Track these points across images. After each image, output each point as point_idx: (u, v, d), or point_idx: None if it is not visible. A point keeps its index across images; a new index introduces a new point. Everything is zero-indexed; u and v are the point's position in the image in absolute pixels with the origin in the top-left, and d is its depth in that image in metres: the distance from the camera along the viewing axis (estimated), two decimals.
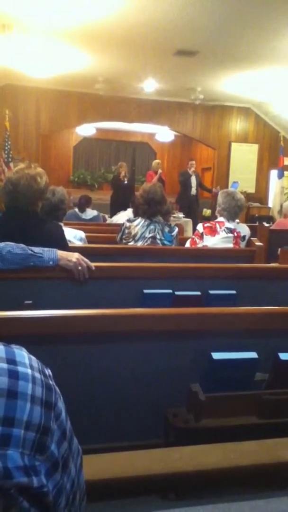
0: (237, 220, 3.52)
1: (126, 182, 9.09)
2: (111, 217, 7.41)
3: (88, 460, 0.79)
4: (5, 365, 0.59)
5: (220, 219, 3.46)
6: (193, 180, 9.84)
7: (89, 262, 2.14)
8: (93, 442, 1.25)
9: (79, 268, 2.09)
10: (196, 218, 9.12)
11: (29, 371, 0.61)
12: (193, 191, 9.84)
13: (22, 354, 0.63)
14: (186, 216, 8.89)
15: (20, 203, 2.29)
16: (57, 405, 0.63)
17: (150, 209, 3.28)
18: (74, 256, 2.10)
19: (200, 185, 10.02)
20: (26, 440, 0.56)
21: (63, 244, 2.42)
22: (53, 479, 0.60)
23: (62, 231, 2.52)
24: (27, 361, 0.62)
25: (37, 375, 0.62)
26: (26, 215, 2.31)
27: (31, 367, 0.62)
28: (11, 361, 0.60)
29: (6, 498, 0.54)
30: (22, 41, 6.37)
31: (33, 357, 0.64)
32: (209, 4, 5.36)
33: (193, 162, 10.08)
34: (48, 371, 0.66)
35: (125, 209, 6.41)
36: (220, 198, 3.50)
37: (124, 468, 0.89)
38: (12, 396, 0.57)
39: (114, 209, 8.31)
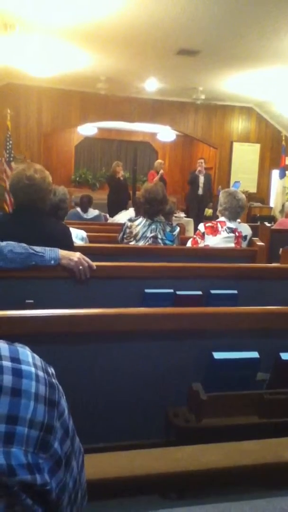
0: (238, 220, 3.52)
1: (122, 180, 9.10)
2: (111, 216, 7.41)
3: (90, 459, 0.79)
4: (9, 363, 0.59)
5: (222, 218, 3.46)
6: (201, 180, 9.79)
7: (90, 262, 2.14)
8: (94, 442, 1.25)
9: (80, 267, 2.09)
10: (203, 218, 9.07)
11: (32, 369, 0.61)
12: (200, 191, 9.79)
13: (26, 353, 0.63)
14: (194, 217, 8.85)
15: (36, 198, 2.30)
16: (60, 403, 0.64)
17: (152, 208, 3.28)
18: (76, 256, 2.10)
19: (209, 187, 9.93)
20: (30, 438, 0.57)
21: (69, 244, 2.43)
22: (56, 477, 0.60)
23: (69, 230, 2.53)
24: (30, 360, 0.62)
25: (41, 373, 0.62)
26: (38, 213, 2.33)
27: (35, 365, 0.62)
28: (15, 359, 0.60)
29: (9, 495, 0.55)
30: (24, 40, 6.37)
31: (36, 356, 0.65)
32: (211, 4, 5.36)
33: (201, 161, 10.01)
34: (51, 370, 0.66)
35: (122, 208, 6.42)
36: (221, 198, 3.50)
37: (125, 467, 0.89)
38: (16, 394, 0.57)
39: (112, 208, 8.33)
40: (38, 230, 2.27)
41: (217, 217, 3.56)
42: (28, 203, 2.31)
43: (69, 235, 2.49)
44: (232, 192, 3.53)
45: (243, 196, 3.56)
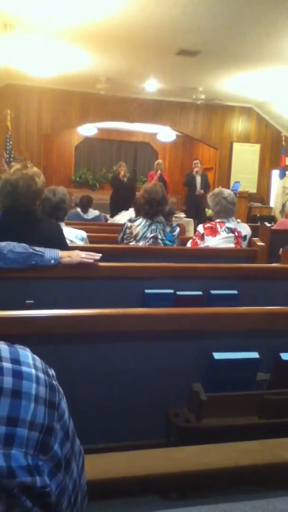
0: (238, 220, 3.51)
1: (125, 181, 9.09)
2: (111, 216, 7.40)
3: (90, 459, 0.79)
4: (9, 365, 0.59)
5: (219, 219, 3.44)
6: (198, 180, 9.77)
7: (92, 254, 2.13)
8: (95, 442, 1.25)
9: (83, 260, 2.09)
10: (203, 219, 9.00)
11: (33, 371, 0.61)
12: (198, 191, 9.76)
13: (26, 354, 0.63)
14: (193, 217, 8.83)
15: (19, 204, 2.30)
16: (61, 405, 0.63)
17: (151, 209, 3.28)
18: (76, 253, 2.11)
19: (206, 186, 9.88)
20: (30, 440, 0.57)
21: (61, 243, 2.42)
22: (56, 479, 0.60)
23: (61, 230, 2.52)
24: (31, 361, 0.62)
25: (41, 375, 0.62)
26: (24, 215, 2.32)
27: (35, 367, 0.62)
28: (15, 361, 0.60)
29: (9, 497, 0.55)
30: (24, 41, 6.37)
31: (37, 357, 0.64)
32: (211, 4, 5.36)
33: (197, 161, 9.94)
34: (51, 371, 0.66)
35: (125, 209, 6.41)
36: (210, 203, 3.46)
37: (126, 468, 0.89)
38: (16, 396, 0.57)
39: (114, 209, 8.31)
40: (30, 232, 2.27)
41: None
42: (16, 208, 2.31)
43: (62, 236, 2.49)
44: (217, 192, 3.48)
45: (230, 191, 3.51)
